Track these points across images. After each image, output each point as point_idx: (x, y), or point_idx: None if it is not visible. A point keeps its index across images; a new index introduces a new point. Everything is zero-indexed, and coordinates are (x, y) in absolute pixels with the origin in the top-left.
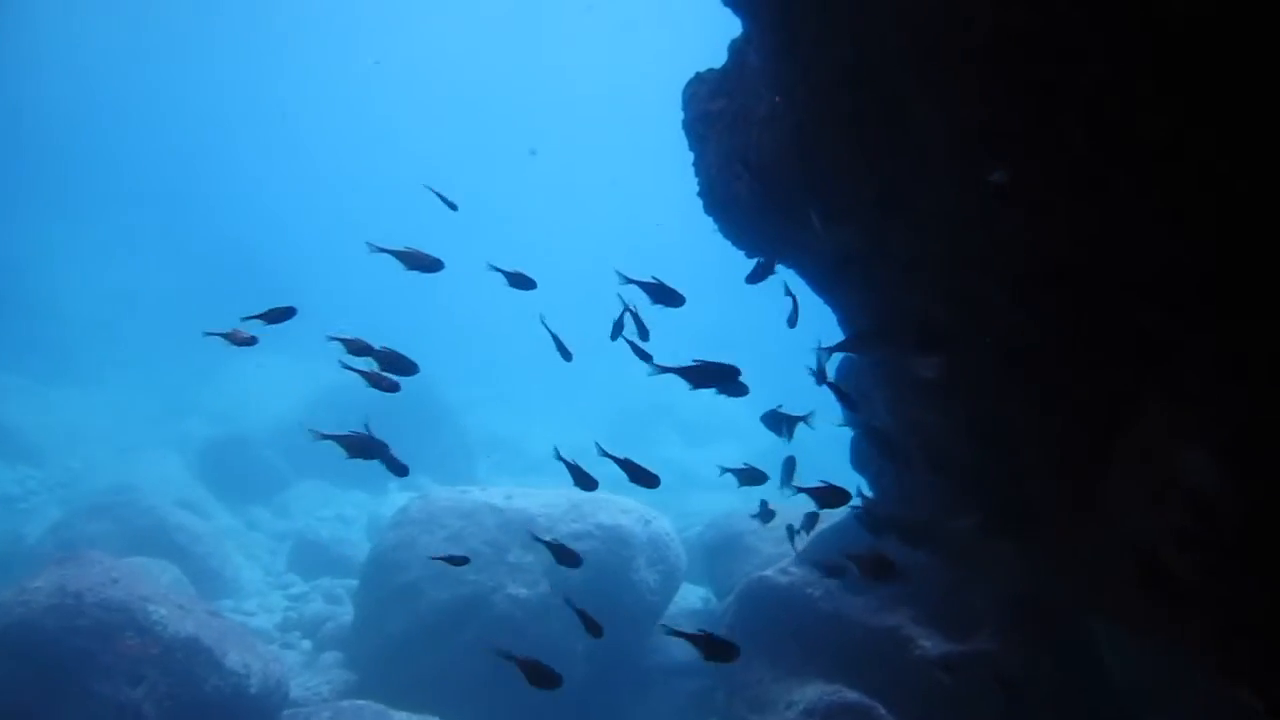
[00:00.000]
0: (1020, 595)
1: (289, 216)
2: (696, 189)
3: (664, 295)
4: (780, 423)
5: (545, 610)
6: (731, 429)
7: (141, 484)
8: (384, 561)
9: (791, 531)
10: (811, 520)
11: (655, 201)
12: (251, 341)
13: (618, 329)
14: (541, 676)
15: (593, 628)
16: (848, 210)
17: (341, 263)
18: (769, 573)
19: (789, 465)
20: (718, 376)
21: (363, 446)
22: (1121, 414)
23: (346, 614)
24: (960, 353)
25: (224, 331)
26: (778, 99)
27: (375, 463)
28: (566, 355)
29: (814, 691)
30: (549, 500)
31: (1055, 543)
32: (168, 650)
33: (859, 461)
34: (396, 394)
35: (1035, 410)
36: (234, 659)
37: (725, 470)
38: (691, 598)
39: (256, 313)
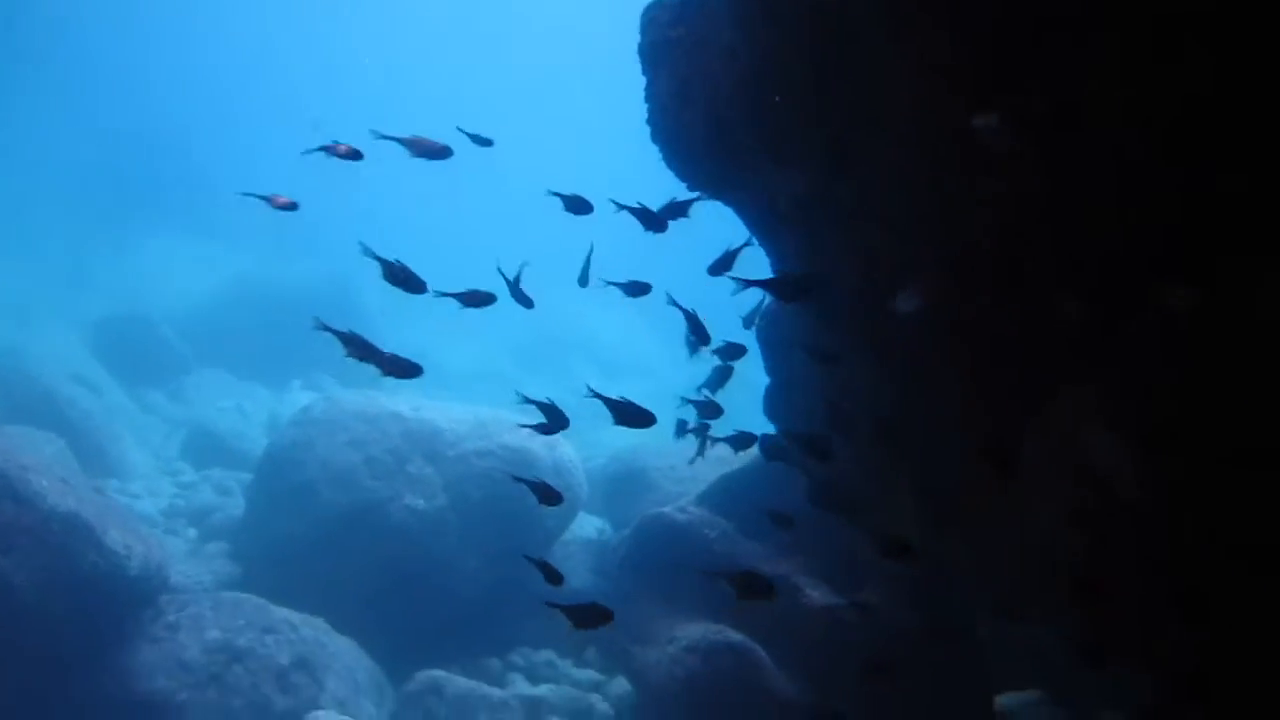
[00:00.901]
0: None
1: (219, 94)
2: (645, 116)
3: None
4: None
5: (441, 524)
6: (646, 365)
7: (32, 351)
8: (281, 459)
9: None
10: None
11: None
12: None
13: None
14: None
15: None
16: (798, 154)
17: (268, 148)
18: (668, 510)
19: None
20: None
21: (363, 347)
22: (1037, 393)
23: (237, 507)
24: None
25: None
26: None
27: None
28: (526, 303)
29: (698, 630)
30: (457, 415)
31: (958, 510)
32: (44, 522)
33: (771, 410)
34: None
35: (956, 382)
36: (114, 538)
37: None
38: (588, 527)
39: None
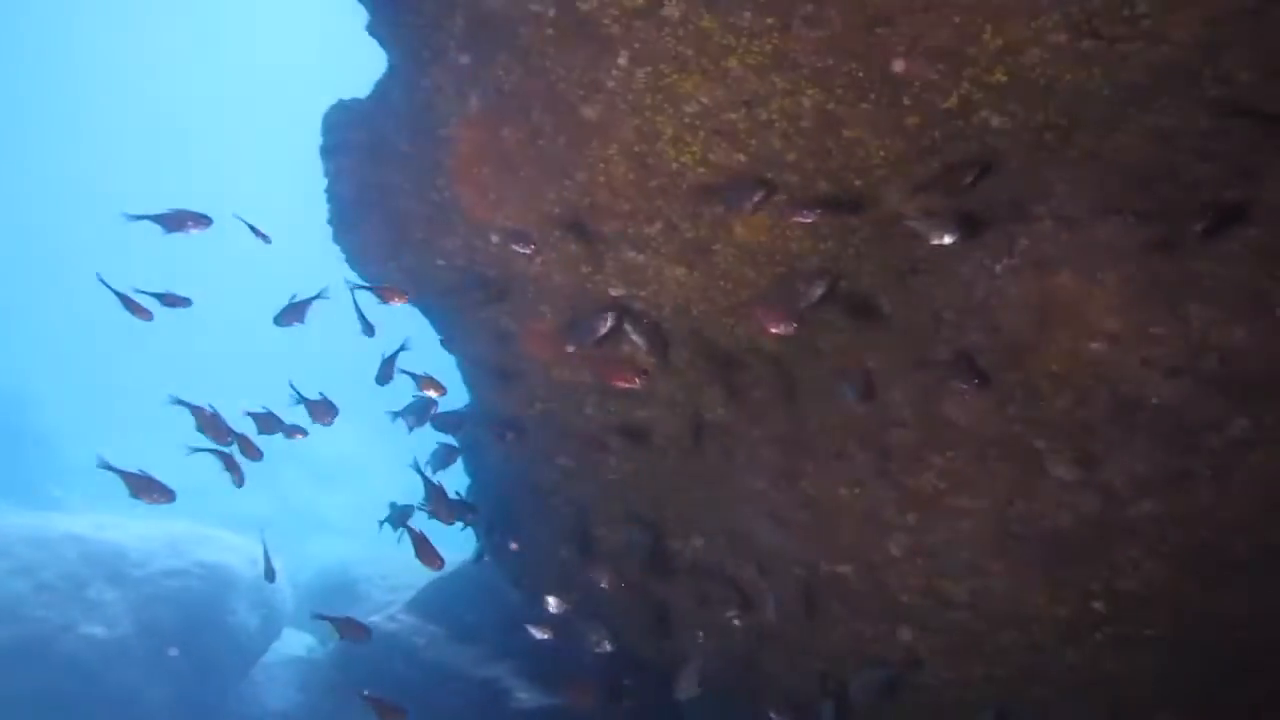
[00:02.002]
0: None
1: None
2: (327, 216)
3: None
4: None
5: (124, 653)
6: (361, 474)
7: None
8: None
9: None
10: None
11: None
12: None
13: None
14: None
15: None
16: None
17: None
18: (375, 619)
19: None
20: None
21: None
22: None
23: None
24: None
25: None
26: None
27: None
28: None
29: None
30: (146, 532)
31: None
32: None
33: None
34: None
35: None
36: None
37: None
38: (295, 644)
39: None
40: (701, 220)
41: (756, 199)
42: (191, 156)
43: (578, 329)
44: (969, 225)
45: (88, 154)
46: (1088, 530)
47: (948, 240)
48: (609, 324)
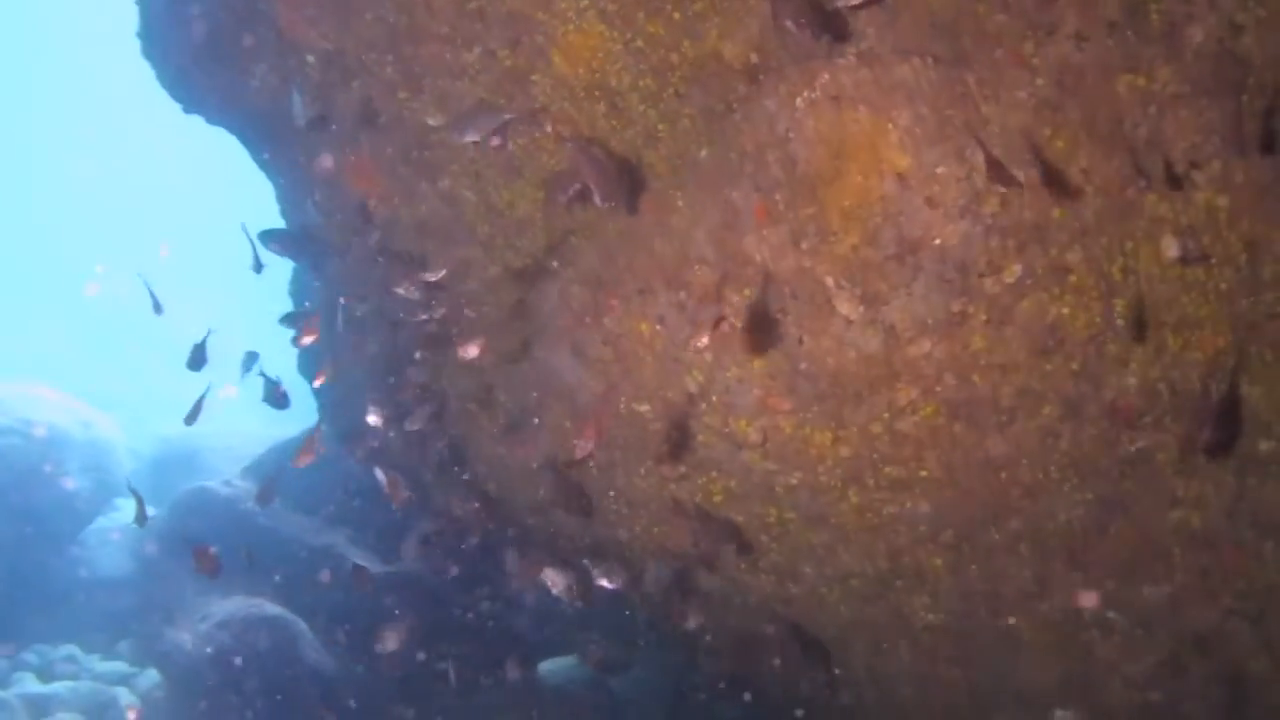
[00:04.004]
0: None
1: None
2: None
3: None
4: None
5: None
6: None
7: None
8: None
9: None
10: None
11: None
12: None
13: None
14: None
15: None
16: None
17: None
18: (210, 483)
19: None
20: None
21: None
22: None
23: None
24: None
25: None
26: None
27: None
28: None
29: (233, 605)
30: None
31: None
32: None
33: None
34: None
35: None
36: None
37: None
38: (131, 516)
39: None
40: (521, 47)
41: None
42: None
43: None
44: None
45: None
46: (871, 369)
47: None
48: None
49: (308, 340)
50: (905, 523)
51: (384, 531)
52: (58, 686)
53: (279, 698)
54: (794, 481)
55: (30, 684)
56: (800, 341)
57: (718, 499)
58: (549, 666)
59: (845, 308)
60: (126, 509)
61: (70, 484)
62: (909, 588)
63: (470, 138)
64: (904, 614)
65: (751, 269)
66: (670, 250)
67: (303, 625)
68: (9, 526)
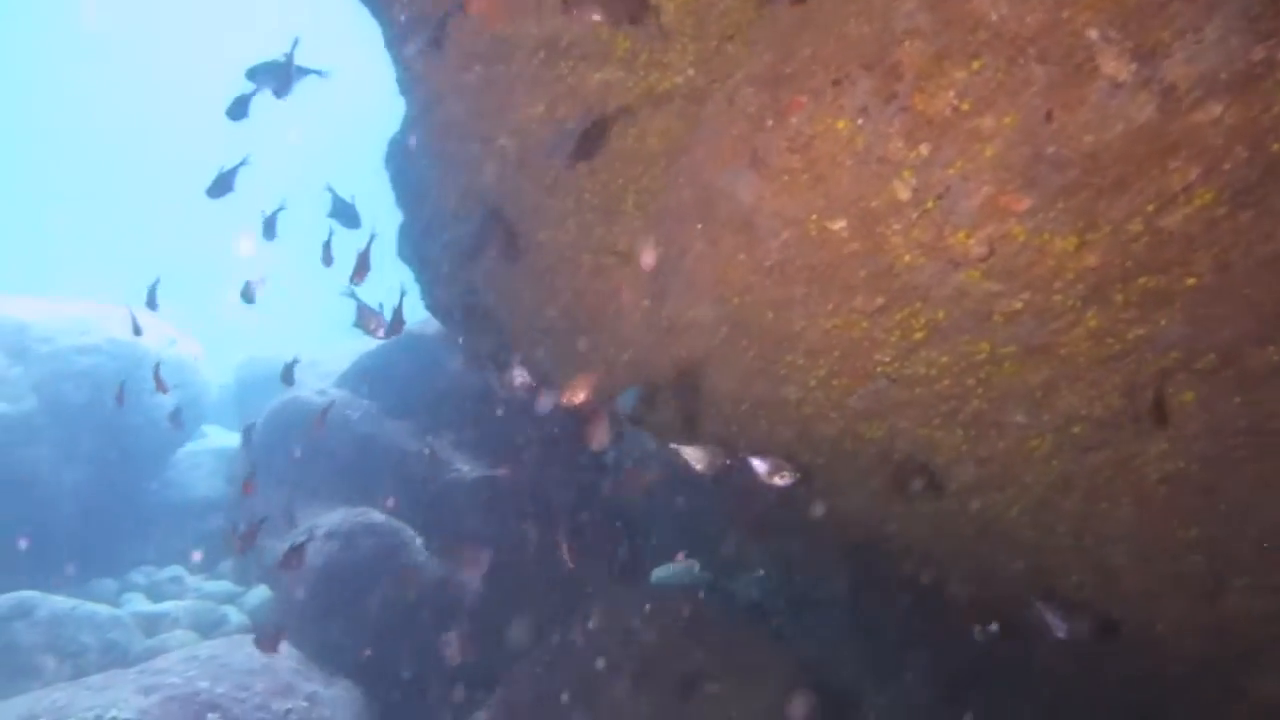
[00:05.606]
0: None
1: None
2: None
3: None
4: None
5: (30, 431)
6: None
7: None
8: None
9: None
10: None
11: None
12: None
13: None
14: None
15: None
16: None
17: None
18: (303, 393)
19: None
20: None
21: None
22: None
23: None
24: None
25: None
26: None
27: None
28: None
29: (339, 515)
30: (53, 309)
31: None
32: None
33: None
34: None
35: None
36: None
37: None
38: (223, 439)
39: None
40: None
41: None
42: None
43: None
44: None
45: None
46: (1139, 146)
47: None
48: None
49: None
50: (1154, 348)
51: (486, 436)
52: (168, 605)
53: (392, 604)
54: (1019, 305)
55: (140, 603)
56: (1048, 117)
57: (918, 336)
58: (660, 573)
59: (1111, 66)
60: (214, 435)
61: (158, 403)
62: (1144, 430)
63: None
64: (1133, 465)
65: (984, 32)
66: (869, 29)
67: (409, 532)
68: (103, 446)
